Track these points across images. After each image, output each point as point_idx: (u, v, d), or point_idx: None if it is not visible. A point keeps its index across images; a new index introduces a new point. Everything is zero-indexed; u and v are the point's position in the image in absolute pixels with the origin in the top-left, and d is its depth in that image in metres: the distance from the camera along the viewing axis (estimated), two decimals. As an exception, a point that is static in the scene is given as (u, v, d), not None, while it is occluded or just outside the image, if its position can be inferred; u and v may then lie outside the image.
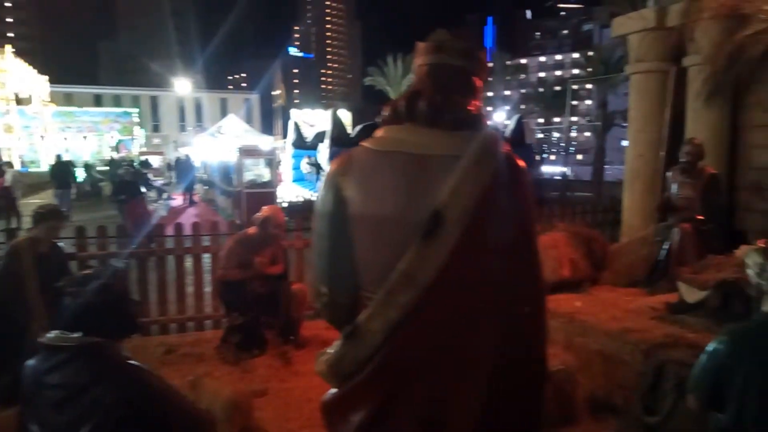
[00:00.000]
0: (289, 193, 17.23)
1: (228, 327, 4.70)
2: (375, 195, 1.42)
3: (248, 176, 14.88)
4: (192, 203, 20.05)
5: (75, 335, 1.81)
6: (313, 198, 16.55)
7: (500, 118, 37.46)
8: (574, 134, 73.42)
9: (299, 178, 20.75)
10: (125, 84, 52.88)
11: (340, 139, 16.21)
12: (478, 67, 1.57)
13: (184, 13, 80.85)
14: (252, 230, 4.72)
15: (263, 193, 13.92)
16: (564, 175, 32.29)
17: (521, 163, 1.48)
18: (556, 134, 55.75)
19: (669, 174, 5.49)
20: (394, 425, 1.38)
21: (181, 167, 20.68)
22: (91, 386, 1.73)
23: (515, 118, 19.20)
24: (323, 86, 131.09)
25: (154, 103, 49.84)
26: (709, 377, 2.04)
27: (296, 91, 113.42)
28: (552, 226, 6.66)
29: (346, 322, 1.44)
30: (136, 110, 38.24)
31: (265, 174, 14.76)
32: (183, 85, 46.09)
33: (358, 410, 1.40)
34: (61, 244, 4.35)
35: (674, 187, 5.36)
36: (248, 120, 53.28)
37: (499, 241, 1.37)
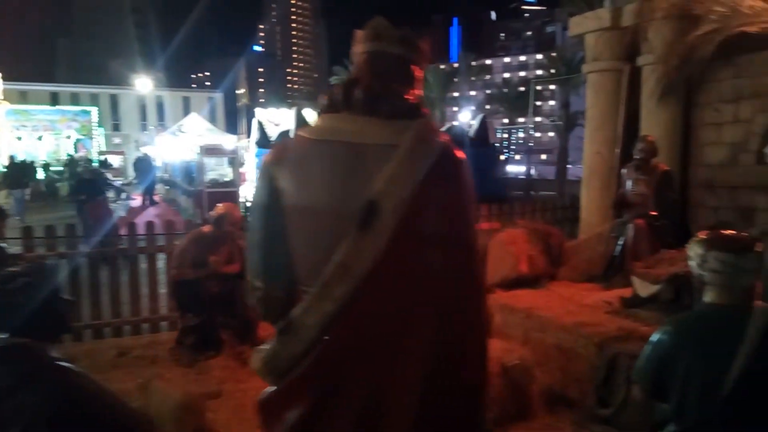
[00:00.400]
0: (252, 192, 17.04)
1: (182, 328, 4.59)
2: (309, 185, 1.38)
3: (211, 175, 14.64)
4: (153, 203, 19.62)
5: (1, 336, 1.72)
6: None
7: (466, 117, 37.74)
8: (538, 134, 74.60)
9: (264, 178, 20.50)
10: (83, 82, 51.40)
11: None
12: (417, 55, 1.54)
13: (144, 11, 79.16)
14: (207, 228, 4.61)
15: (225, 193, 13.68)
16: (528, 174, 32.78)
17: (460, 153, 1.46)
18: (521, 134, 56.49)
19: (624, 171, 5.58)
20: (331, 422, 1.34)
21: (141, 167, 20.20)
22: (18, 389, 1.64)
23: (479, 117, 19.38)
24: (289, 85, 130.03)
25: (113, 101, 48.54)
26: (652, 367, 2.06)
27: (261, 90, 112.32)
28: (512, 223, 6.73)
29: (282, 318, 1.39)
30: (95, 109, 37.22)
31: (228, 173, 14.52)
32: (144, 84, 45.07)
33: (294, 408, 1.36)
34: (3, 244, 4.17)
35: (629, 184, 5.46)
36: (212, 119, 52.30)
37: (436, 232, 1.35)
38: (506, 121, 54.25)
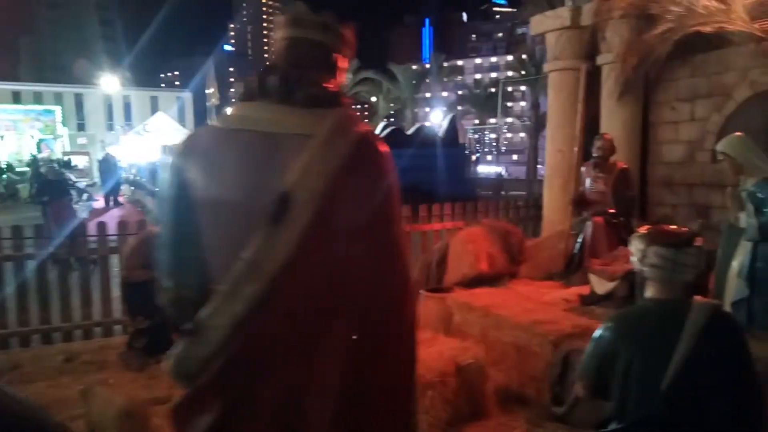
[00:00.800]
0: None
1: (133, 331, 4.44)
2: (219, 177, 1.30)
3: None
4: (117, 204, 19.19)
5: None
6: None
7: (437, 118, 37.91)
8: (509, 135, 75.31)
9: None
10: (47, 81, 50.14)
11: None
12: (339, 42, 1.48)
13: (110, 8, 77.51)
14: (158, 228, 4.47)
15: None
16: (499, 174, 33.06)
17: (383, 146, 1.40)
18: (492, 135, 56.98)
19: (583, 169, 5.61)
20: (244, 427, 1.26)
21: (104, 167, 19.74)
22: None
23: (448, 118, 19.45)
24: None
25: (78, 100, 47.44)
26: (594, 364, 2.03)
27: (232, 90, 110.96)
28: (476, 221, 6.72)
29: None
30: (59, 108, 36.32)
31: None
32: (110, 82, 44.14)
33: (205, 414, 1.28)
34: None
35: (588, 182, 5.48)
36: (181, 119, 51.54)
37: (355, 226, 1.28)
38: (477, 121, 54.67)
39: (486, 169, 40.27)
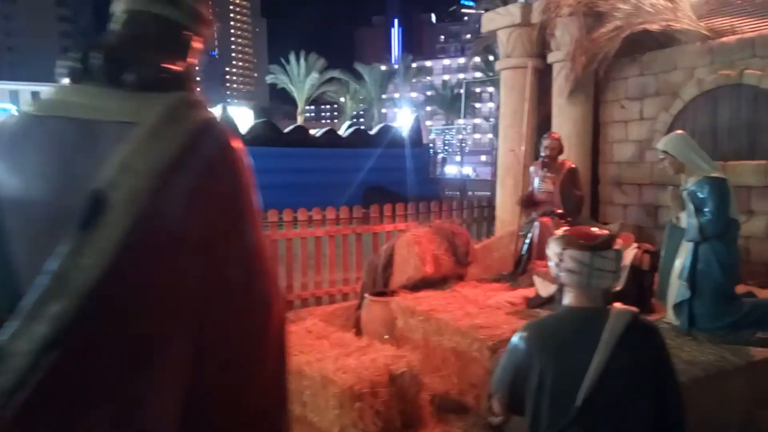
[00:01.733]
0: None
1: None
2: (24, 173, 1.09)
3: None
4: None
5: None
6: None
7: (405, 118, 37.86)
8: (478, 136, 75.71)
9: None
10: (2, 78, 48.48)
11: (230, 137, 15.53)
12: (193, 20, 1.28)
13: (69, 3, 75.40)
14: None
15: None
16: (467, 175, 33.07)
17: (233, 138, 1.20)
18: (460, 135, 57.24)
19: (532, 169, 5.51)
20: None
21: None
22: None
23: (413, 118, 19.34)
24: (228, 84, 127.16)
25: (36, 99, 46.04)
26: (507, 377, 1.88)
27: (198, 89, 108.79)
28: (428, 222, 6.57)
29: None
30: (14, 107, 35.06)
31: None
32: (67, 80, 42.85)
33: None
34: None
35: (536, 182, 5.38)
36: (144, 118, 50.32)
37: (191, 233, 1.08)
38: (445, 122, 54.82)
39: (454, 170, 40.38)
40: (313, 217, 6.25)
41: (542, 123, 6.54)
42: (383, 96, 45.09)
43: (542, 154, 5.27)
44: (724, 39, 5.15)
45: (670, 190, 3.77)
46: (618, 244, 1.90)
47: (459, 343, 3.80)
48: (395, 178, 17.16)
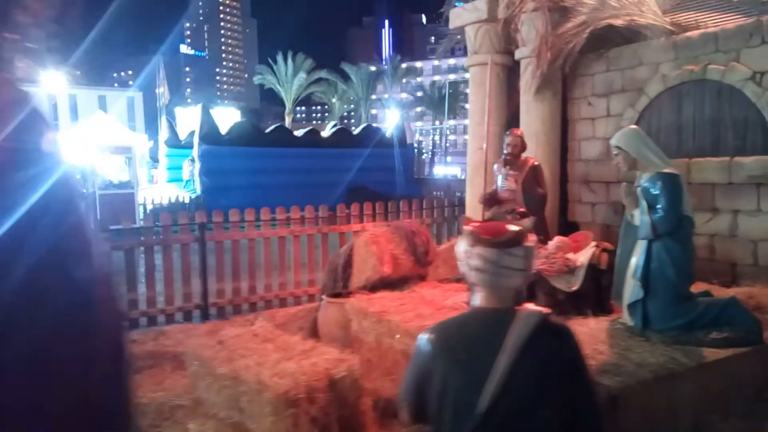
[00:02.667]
0: (159, 194, 16.07)
1: None
2: None
3: (110, 177, 13.72)
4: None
5: None
6: (185, 199, 15.59)
7: (394, 119, 37.80)
8: (467, 136, 75.66)
9: (176, 179, 19.59)
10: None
11: (210, 137, 15.35)
12: None
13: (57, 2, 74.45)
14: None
15: (120, 195, 12.84)
16: (454, 175, 32.99)
17: (51, 134, 1.07)
18: (446, 136, 57.17)
19: (495, 167, 5.40)
20: None
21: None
22: None
23: (399, 119, 19.24)
24: (219, 85, 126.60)
25: (20, 99, 45.54)
26: (412, 384, 1.75)
27: (189, 90, 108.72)
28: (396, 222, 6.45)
29: None
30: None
31: (124, 174, 13.63)
32: (53, 81, 42.50)
33: None
34: None
35: (499, 180, 5.28)
36: (131, 119, 50.01)
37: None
38: (437, 122, 54.77)
39: (444, 171, 40.33)
40: (276, 217, 6.12)
41: (511, 120, 6.45)
42: (373, 96, 44.92)
43: (504, 151, 5.16)
44: (688, 34, 5.06)
45: (623, 186, 3.67)
46: (530, 241, 1.78)
47: (409, 345, 3.68)
48: (379, 179, 17.04)
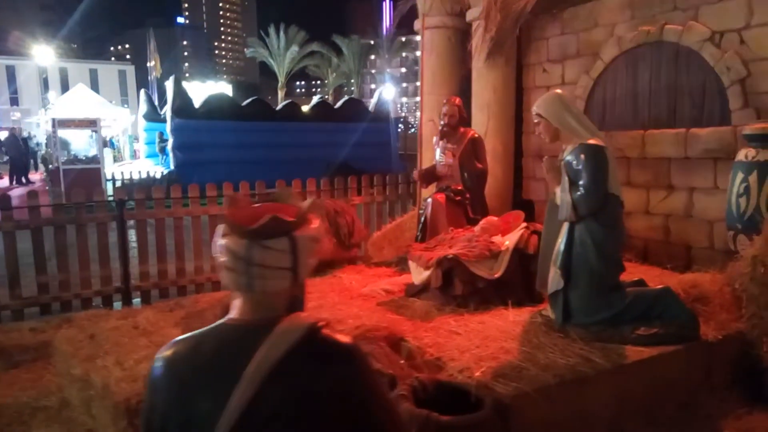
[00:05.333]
0: (133, 169, 15.59)
1: None
2: None
3: (79, 151, 13.22)
4: (27, 182, 17.90)
5: None
6: (157, 175, 15.13)
7: (389, 93, 37.01)
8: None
9: (154, 154, 19.14)
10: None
11: (183, 111, 14.81)
12: None
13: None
14: None
15: (86, 170, 12.40)
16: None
17: None
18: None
19: (434, 139, 4.92)
20: None
21: (8, 145, 18.33)
22: None
23: (378, 92, 18.65)
24: (217, 60, 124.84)
25: (10, 73, 44.89)
26: (143, 418, 1.32)
27: (186, 64, 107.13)
28: (347, 199, 6.02)
29: None
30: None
31: (91, 148, 13.14)
32: (44, 54, 41.81)
33: None
34: None
35: (437, 154, 4.81)
36: (123, 93, 49.24)
37: None
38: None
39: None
40: (206, 194, 5.67)
41: (467, 90, 5.94)
42: (373, 71, 44.01)
43: (441, 122, 4.67)
44: (646, -10, 4.54)
45: (545, 160, 3.20)
46: (306, 228, 1.32)
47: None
48: (360, 154, 16.51)
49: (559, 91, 3.24)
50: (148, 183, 13.59)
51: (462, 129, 4.68)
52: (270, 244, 1.24)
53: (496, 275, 3.56)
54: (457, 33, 5.95)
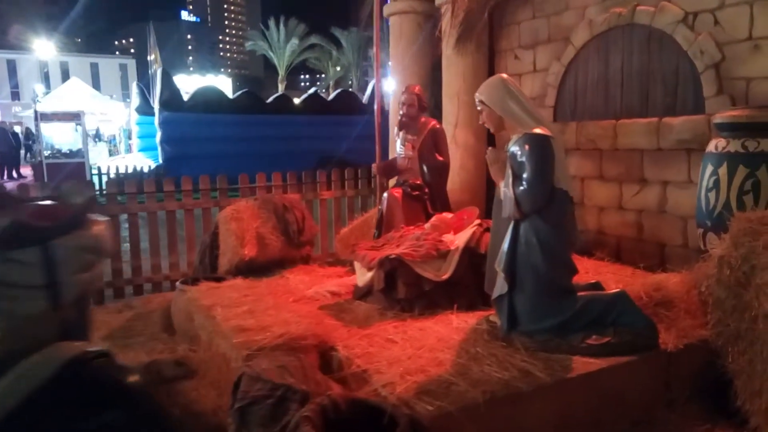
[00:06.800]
0: (124, 163, 15.36)
1: None
2: None
3: (63, 145, 13.03)
4: (19, 177, 17.76)
5: None
6: (143, 169, 14.91)
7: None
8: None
9: (147, 147, 18.92)
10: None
11: (171, 104, 14.58)
12: None
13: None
14: None
15: (69, 164, 12.19)
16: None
17: None
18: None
19: (395, 130, 4.64)
20: None
21: (-1, 138, 18.19)
22: None
23: (371, 84, 18.34)
24: (221, 53, 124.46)
25: (11, 67, 44.80)
26: None
27: (191, 57, 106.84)
28: (315, 193, 5.77)
29: None
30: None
31: (75, 142, 12.92)
32: (44, 48, 41.73)
33: None
34: None
35: (398, 146, 4.53)
36: (124, 87, 48.98)
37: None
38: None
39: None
40: (164, 189, 5.41)
41: (439, 78, 5.66)
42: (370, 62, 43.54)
43: (400, 112, 4.39)
44: (619, -31, 4.22)
45: (488, 152, 2.92)
46: (79, 236, 1.06)
47: (226, 348, 3.01)
48: (352, 147, 16.22)
49: (503, 75, 2.95)
50: (130, 178, 13.39)
51: (423, 119, 4.40)
52: (14, 256, 0.97)
53: (444, 277, 3.28)
54: (427, 19, 5.66)
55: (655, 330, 2.78)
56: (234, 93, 21.01)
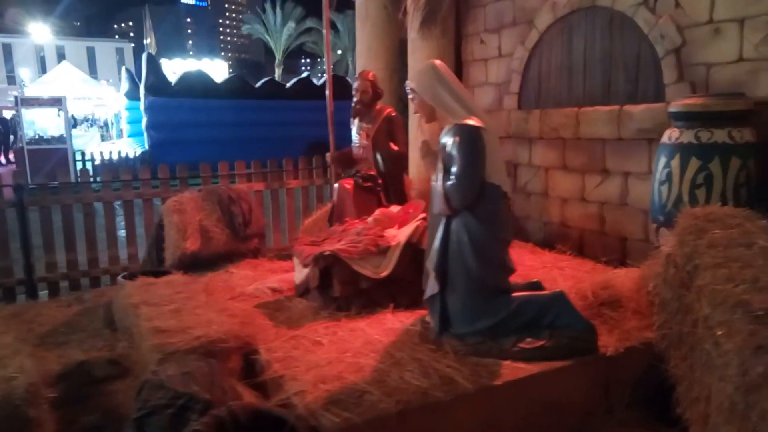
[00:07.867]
0: (116, 149, 15.14)
1: None
2: None
3: (45, 131, 12.84)
4: (8, 162, 17.65)
5: None
6: (131, 155, 14.73)
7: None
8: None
9: (136, 133, 18.72)
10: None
11: (156, 88, 14.35)
12: None
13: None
14: None
15: (51, 150, 12.02)
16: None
17: None
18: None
19: (352, 119, 4.46)
20: None
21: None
22: None
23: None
24: (221, 37, 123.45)
25: (7, 51, 44.46)
26: None
27: (190, 42, 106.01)
28: (281, 182, 5.60)
29: None
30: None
31: (59, 127, 12.73)
32: (40, 31, 41.37)
33: None
34: None
35: (353, 134, 4.35)
36: (120, 70, 48.64)
37: None
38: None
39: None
40: (121, 177, 5.25)
41: (400, 62, 5.46)
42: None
43: (354, 99, 4.20)
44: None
45: (421, 144, 2.74)
46: None
47: (147, 349, 2.87)
48: (344, 133, 16.01)
49: (435, 61, 2.77)
50: (122, 164, 13.23)
51: (378, 106, 4.21)
52: None
53: (384, 274, 3.12)
54: (393, 1, 5.44)
55: (594, 333, 2.62)
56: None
